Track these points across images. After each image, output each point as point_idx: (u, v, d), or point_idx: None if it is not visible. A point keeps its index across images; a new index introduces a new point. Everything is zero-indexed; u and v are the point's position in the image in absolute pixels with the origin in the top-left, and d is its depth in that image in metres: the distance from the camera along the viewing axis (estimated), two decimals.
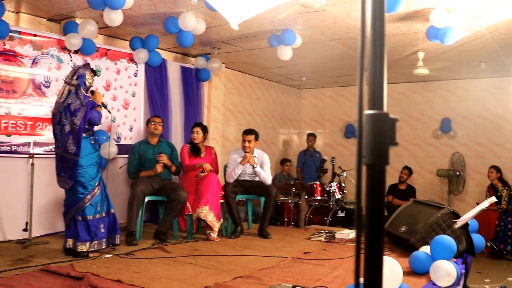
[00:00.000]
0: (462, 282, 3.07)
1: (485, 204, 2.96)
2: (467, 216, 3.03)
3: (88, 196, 3.30)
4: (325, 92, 8.11)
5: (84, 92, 3.36)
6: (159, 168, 4.23)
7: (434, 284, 2.78)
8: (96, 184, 3.36)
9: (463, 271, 3.08)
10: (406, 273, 2.88)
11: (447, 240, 2.95)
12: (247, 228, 4.84)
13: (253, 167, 4.52)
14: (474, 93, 6.84)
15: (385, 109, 0.61)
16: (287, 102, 8.00)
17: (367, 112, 0.61)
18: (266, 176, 4.54)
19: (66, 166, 3.24)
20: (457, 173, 6.26)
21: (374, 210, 0.61)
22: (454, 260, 3.03)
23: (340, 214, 5.79)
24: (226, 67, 6.36)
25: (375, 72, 0.61)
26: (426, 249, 3.04)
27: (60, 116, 3.26)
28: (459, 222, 3.05)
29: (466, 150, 6.73)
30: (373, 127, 0.60)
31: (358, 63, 0.61)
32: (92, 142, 3.41)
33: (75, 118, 3.23)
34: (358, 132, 0.60)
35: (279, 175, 6.80)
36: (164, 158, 4.27)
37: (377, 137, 0.59)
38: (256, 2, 1.32)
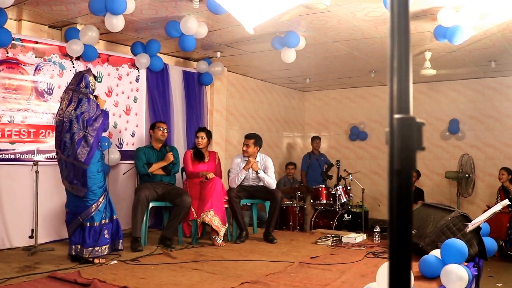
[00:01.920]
0: (474, 287, 2.99)
1: (497, 207, 2.89)
2: (479, 220, 2.96)
3: (97, 202, 3.32)
4: (329, 94, 8.04)
5: (95, 99, 3.36)
6: (171, 157, 4.28)
7: None
8: (103, 190, 3.38)
9: (476, 273, 3.00)
10: (417, 278, 2.82)
11: (458, 243, 2.87)
12: (252, 232, 4.79)
13: (257, 173, 4.47)
14: (483, 93, 6.72)
15: (411, 113, 0.58)
16: (290, 105, 7.94)
17: (394, 116, 0.58)
18: (270, 180, 4.50)
19: (77, 174, 3.24)
20: (466, 175, 6.16)
21: (402, 216, 0.61)
22: (465, 264, 2.95)
23: (346, 218, 5.71)
24: (228, 71, 6.33)
25: (400, 75, 0.59)
26: (436, 253, 2.97)
27: (71, 124, 3.23)
28: (471, 226, 2.98)
29: (475, 152, 6.62)
30: (399, 131, 0.58)
31: (388, 65, 0.59)
32: (100, 149, 3.45)
33: (91, 128, 3.24)
34: (390, 137, 0.57)
35: (284, 179, 6.75)
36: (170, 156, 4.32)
37: (404, 142, 0.58)
38: (270, 5, 1.28)
